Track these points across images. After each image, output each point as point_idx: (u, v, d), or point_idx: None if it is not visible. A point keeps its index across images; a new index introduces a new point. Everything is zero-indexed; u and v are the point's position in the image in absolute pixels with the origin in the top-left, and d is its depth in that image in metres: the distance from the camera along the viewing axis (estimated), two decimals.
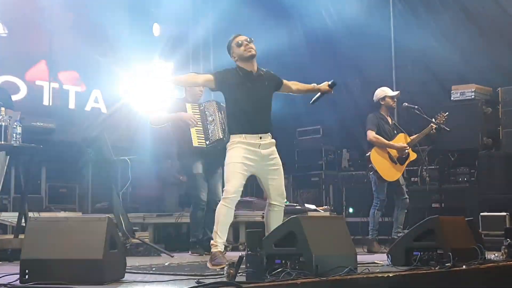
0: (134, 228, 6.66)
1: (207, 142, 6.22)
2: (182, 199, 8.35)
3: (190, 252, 6.52)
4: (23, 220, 5.65)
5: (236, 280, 3.25)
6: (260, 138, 4.91)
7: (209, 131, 6.23)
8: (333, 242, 3.94)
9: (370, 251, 6.93)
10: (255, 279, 3.35)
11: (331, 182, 9.72)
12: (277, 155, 5.02)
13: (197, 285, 3.11)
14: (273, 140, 5.04)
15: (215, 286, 3.06)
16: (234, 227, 7.17)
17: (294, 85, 5.30)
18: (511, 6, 8.50)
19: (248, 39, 4.99)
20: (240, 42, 4.96)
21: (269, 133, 5.01)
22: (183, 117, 6.27)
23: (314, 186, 9.73)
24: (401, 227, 7.13)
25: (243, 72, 4.99)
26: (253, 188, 8.82)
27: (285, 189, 9.60)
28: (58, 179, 9.42)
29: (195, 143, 6.24)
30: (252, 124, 4.91)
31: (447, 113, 7.18)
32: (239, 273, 3.37)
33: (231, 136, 4.96)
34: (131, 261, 4.85)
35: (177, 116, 6.31)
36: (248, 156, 4.85)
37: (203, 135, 6.26)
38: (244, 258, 3.42)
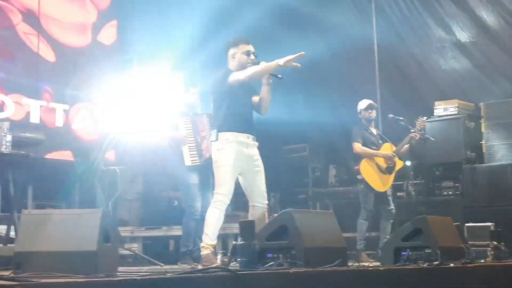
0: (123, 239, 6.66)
1: (200, 160, 6.32)
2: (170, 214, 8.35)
3: (179, 263, 6.52)
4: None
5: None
6: (248, 137, 5.02)
7: (202, 148, 6.33)
8: (324, 235, 4.00)
9: (359, 262, 6.96)
10: (248, 267, 3.40)
11: (318, 199, 9.77)
12: (259, 157, 5.14)
13: (192, 270, 3.15)
14: (257, 142, 5.17)
15: (210, 271, 3.10)
16: (223, 239, 7.20)
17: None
18: (491, 22, 8.69)
19: (255, 53, 5.09)
20: (249, 52, 5.06)
21: (254, 136, 5.14)
22: (174, 138, 6.37)
23: (301, 203, 9.75)
24: (388, 237, 7.18)
25: None
26: (241, 202, 8.91)
27: (273, 207, 9.68)
28: (45, 198, 9.39)
29: (188, 162, 6.36)
30: (242, 124, 5.03)
31: (425, 117, 7.36)
32: (233, 261, 3.41)
33: (219, 134, 5.02)
34: (121, 269, 4.87)
35: (169, 137, 6.43)
36: (238, 157, 4.94)
37: (195, 152, 6.35)
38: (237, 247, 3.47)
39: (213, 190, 5.21)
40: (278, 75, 4.92)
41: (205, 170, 6.37)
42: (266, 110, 5.14)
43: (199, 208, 6.38)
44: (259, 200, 5.08)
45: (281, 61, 4.74)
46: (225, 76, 5.05)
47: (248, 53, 5.04)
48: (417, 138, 7.21)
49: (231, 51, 5.10)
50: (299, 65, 4.79)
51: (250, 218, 5.06)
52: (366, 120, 7.41)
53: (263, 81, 5.01)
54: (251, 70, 4.92)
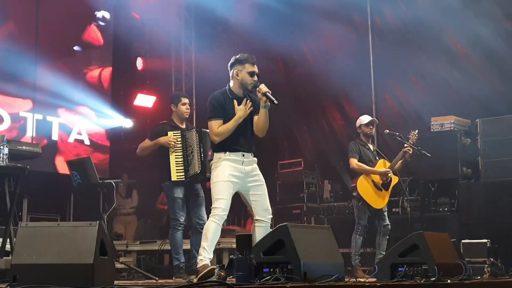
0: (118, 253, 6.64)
1: (186, 175, 6.30)
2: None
3: (174, 278, 6.49)
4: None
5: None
6: (243, 155, 5.06)
7: (188, 163, 6.32)
8: (321, 250, 3.99)
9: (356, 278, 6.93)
10: (244, 282, 3.39)
11: (312, 214, 9.74)
12: (259, 172, 5.17)
13: (188, 283, 3.13)
14: (255, 158, 5.19)
15: (206, 284, 3.08)
16: (218, 253, 7.18)
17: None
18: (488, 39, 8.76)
19: (259, 75, 5.14)
20: (253, 72, 5.11)
21: (251, 153, 5.16)
22: (162, 141, 6.38)
23: (296, 219, 9.69)
24: (383, 253, 7.17)
25: (232, 96, 5.15)
26: (234, 217, 8.90)
27: None
28: (40, 211, 9.37)
29: (174, 177, 6.34)
30: (235, 143, 5.07)
31: (416, 130, 7.37)
32: (229, 276, 3.40)
33: (215, 154, 5.10)
34: (116, 283, 4.85)
35: (157, 142, 6.44)
36: (234, 173, 4.99)
37: (182, 168, 6.34)
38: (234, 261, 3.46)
39: (209, 205, 5.22)
40: (275, 101, 4.94)
41: (193, 185, 6.38)
42: (263, 133, 5.16)
43: (183, 220, 6.40)
44: (263, 214, 5.08)
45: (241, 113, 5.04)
46: (215, 106, 5.13)
47: (252, 74, 5.10)
48: (410, 152, 7.22)
49: (236, 68, 5.14)
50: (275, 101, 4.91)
51: (253, 233, 5.05)
52: (365, 135, 7.40)
53: (260, 104, 5.04)
54: (226, 129, 5.05)
